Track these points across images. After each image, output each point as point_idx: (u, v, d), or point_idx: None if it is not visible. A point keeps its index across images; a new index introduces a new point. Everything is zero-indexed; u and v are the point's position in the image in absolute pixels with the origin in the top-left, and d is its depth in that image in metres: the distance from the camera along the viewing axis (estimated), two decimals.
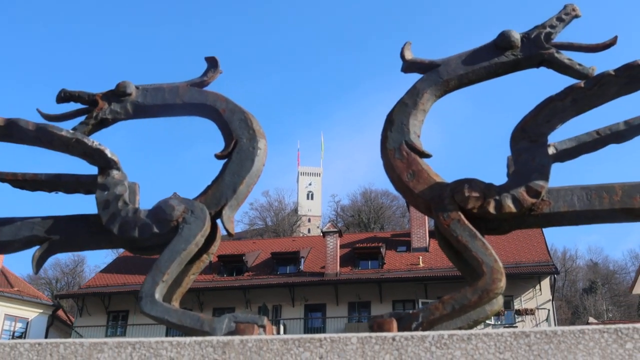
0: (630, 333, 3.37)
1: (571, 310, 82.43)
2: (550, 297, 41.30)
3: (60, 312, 48.99)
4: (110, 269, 49.41)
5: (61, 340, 3.73)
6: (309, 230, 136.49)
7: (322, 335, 3.52)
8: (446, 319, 4.34)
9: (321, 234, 48.03)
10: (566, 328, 3.40)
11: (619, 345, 3.34)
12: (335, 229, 46.58)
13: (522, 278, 39.81)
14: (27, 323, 45.66)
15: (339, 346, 3.47)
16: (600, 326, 3.40)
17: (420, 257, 43.78)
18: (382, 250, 44.93)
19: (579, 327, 3.40)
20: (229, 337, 3.63)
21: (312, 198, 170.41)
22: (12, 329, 44.81)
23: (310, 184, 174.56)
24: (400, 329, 4.11)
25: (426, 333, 3.53)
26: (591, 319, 55.32)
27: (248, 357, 3.52)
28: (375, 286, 42.17)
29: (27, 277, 61.82)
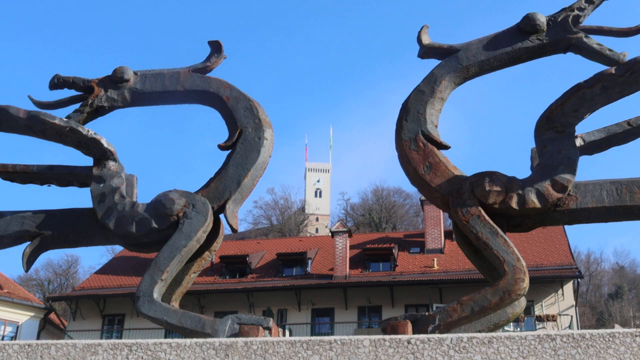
0: None
1: (595, 317, 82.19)
2: (574, 303, 41.15)
3: (52, 316, 49.08)
4: (106, 269, 49.51)
5: (52, 341, 3.72)
6: (316, 230, 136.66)
7: (332, 338, 3.50)
8: (465, 322, 4.30)
9: (329, 234, 47.97)
10: (595, 331, 3.36)
11: None
12: (345, 229, 46.51)
13: (544, 282, 39.69)
14: (17, 327, 45.73)
15: (350, 349, 3.45)
16: (633, 329, 3.37)
17: (435, 259, 43.68)
18: (394, 251, 44.87)
19: (608, 331, 3.36)
20: (232, 339, 3.60)
21: (320, 196, 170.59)
22: (1, 333, 44.92)
23: (318, 181, 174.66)
24: (415, 332, 4.08)
25: (444, 336, 3.50)
26: (617, 326, 55.11)
27: None
28: (387, 290, 42.11)
29: (17, 279, 62.18)
